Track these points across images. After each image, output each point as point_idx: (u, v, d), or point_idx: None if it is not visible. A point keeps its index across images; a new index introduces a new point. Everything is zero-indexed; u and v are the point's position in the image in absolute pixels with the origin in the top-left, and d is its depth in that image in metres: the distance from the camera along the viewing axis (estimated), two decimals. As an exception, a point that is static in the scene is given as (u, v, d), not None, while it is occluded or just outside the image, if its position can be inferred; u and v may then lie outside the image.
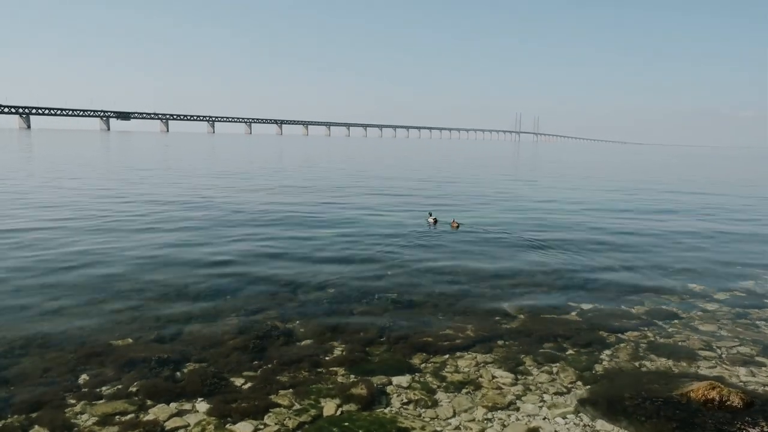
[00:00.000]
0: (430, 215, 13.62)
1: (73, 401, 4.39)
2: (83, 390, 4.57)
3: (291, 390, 4.64)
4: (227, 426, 4.13)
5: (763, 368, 5.28)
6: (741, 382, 4.97)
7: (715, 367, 5.30)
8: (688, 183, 30.24)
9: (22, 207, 14.01)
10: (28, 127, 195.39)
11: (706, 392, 4.46)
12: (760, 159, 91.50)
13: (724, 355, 5.58)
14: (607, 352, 5.61)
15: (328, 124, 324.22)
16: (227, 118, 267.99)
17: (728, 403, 4.36)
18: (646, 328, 6.26)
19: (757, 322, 6.57)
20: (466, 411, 4.42)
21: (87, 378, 4.77)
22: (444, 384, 4.83)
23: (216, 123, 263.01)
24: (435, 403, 4.51)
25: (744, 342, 5.93)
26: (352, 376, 4.93)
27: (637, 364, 5.33)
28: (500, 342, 5.79)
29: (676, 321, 6.54)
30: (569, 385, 4.87)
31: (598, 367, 5.25)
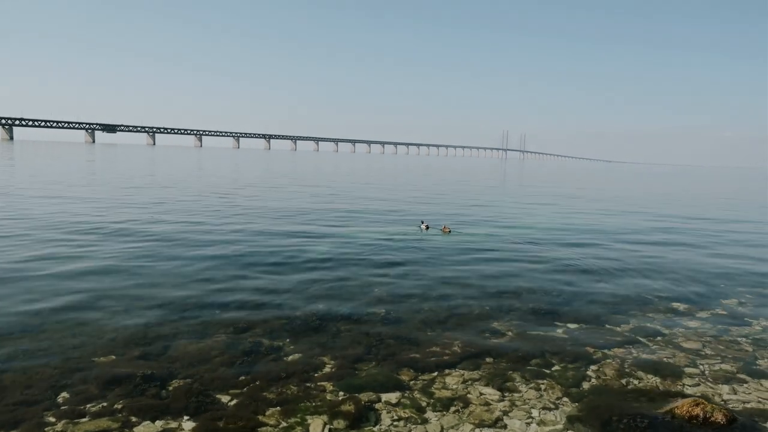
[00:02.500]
0: (422, 222, 14.63)
1: (53, 419, 4.31)
2: (64, 408, 4.48)
3: (278, 408, 4.61)
4: (213, 444, 4.09)
5: (745, 385, 5.37)
6: (723, 399, 5.05)
7: (699, 384, 5.38)
8: (670, 201, 30.81)
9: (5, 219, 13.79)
10: (11, 138, 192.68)
11: (690, 409, 4.52)
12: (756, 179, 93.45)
13: (707, 373, 5.66)
14: (594, 368, 5.67)
15: (317, 139, 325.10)
16: (215, 132, 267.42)
17: (712, 419, 4.43)
18: (631, 346, 6.34)
19: (739, 339, 6.69)
20: (453, 427, 4.42)
21: (68, 395, 4.68)
22: (432, 401, 4.83)
23: (204, 136, 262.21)
24: (424, 421, 4.50)
25: (726, 359, 6.02)
26: (341, 393, 4.91)
27: (623, 381, 5.39)
28: (488, 359, 5.82)
29: (660, 338, 6.63)
30: (556, 402, 4.90)
31: (585, 384, 5.30)
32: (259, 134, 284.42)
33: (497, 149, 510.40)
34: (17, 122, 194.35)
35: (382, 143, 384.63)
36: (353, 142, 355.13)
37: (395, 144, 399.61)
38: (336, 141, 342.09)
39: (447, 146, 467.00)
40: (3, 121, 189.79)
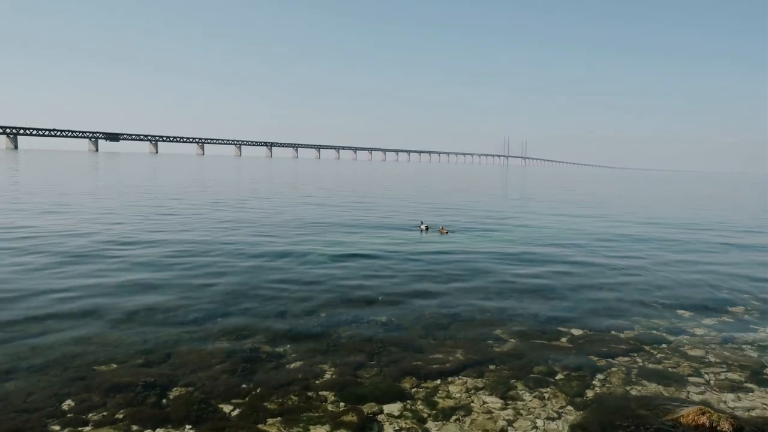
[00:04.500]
0: (422, 224, 15.12)
1: (56, 428, 4.29)
2: (68, 416, 4.47)
3: (280, 417, 4.58)
4: (215, 453, 4.05)
5: (751, 393, 5.31)
6: (729, 407, 5.00)
7: (704, 392, 5.33)
8: (673, 206, 30.71)
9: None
10: (16, 147, 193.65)
11: (696, 417, 4.48)
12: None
13: (712, 381, 5.61)
14: (598, 377, 5.62)
15: (318, 147, 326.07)
16: (217, 140, 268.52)
17: (718, 428, 4.38)
18: (635, 354, 6.29)
19: (744, 347, 6.63)
20: (457, 437, 4.39)
21: (72, 403, 4.66)
22: (435, 411, 4.79)
23: (206, 145, 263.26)
24: None
25: (732, 367, 5.97)
26: (342, 403, 4.87)
27: (627, 388, 5.34)
28: (491, 366, 5.78)
29: (665, 346, 6.59)
30: (560, 411, 4.86)
31: (589, 393, 5.25)
32: (261, 142, 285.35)
33: (499, 156, 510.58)
34: (21, 131, 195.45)
35: (383, 150, 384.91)
36: (354, 149, 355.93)
37: (396, 151, 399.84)
38: (337, 148, 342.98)
39: (448, 153, 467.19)
40: (8, 131, 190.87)
